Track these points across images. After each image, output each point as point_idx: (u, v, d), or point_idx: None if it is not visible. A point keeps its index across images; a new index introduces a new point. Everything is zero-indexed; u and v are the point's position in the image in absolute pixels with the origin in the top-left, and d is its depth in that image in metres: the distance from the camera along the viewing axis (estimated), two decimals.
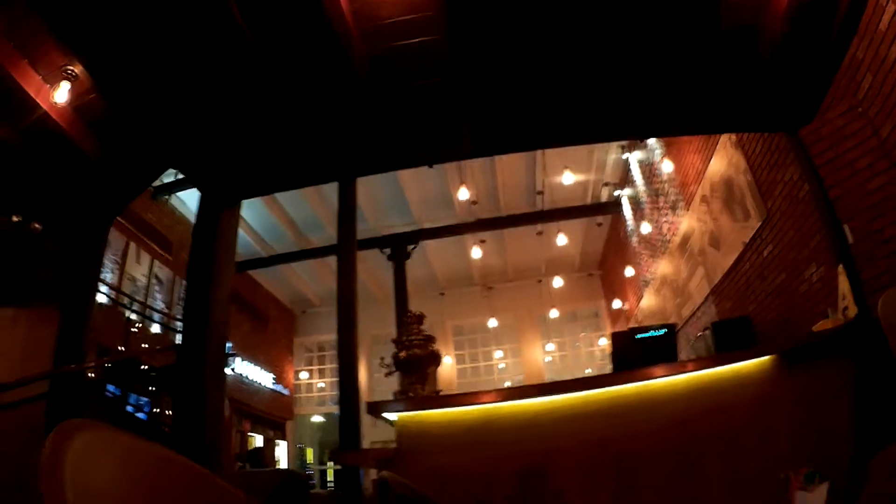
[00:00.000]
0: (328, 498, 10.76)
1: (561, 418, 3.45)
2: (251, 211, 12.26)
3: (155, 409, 8.23)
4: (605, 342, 16.46)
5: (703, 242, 7.90)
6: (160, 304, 11.44)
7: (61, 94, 5.27)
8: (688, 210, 8.41)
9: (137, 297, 10.62)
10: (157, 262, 11.45)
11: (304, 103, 4.47)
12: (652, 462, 3.24)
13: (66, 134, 5.54)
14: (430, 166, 9.92)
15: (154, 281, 11.30)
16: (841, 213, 4.00)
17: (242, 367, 14.48)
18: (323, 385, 18.35)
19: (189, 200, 11.79)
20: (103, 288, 9.10)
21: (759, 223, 6.00)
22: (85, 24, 4.03)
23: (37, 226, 6.00)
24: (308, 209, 12.77)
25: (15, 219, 5.91)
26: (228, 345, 5.26)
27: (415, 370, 4.02)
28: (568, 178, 10.63)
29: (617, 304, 15.01)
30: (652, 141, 9.75)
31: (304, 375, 18.32)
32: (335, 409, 9.44)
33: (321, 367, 18.50)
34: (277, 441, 16.42)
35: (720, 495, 3.09)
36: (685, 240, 8.68)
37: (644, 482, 3.22)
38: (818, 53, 4.02)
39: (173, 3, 3.80)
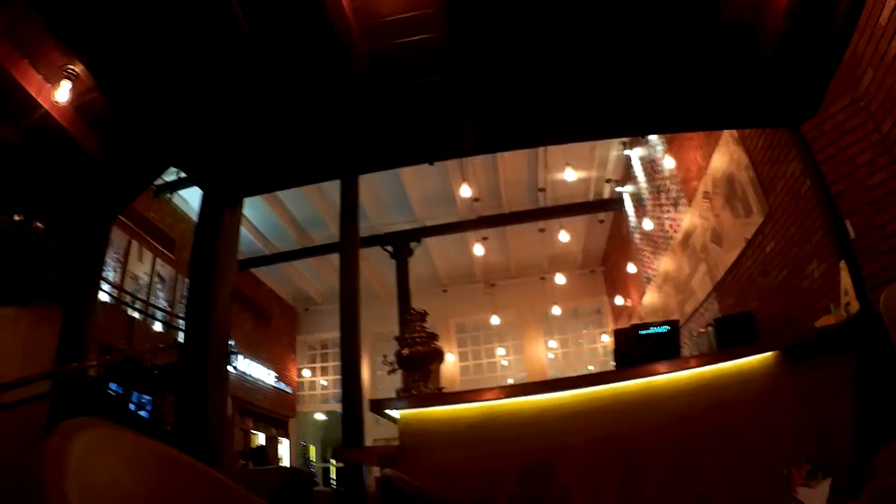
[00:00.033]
0: (331, 495, 10.79)
1: (565, 415, 3.45)
2: (253, 209, 12.27)
3: (157, 408, 8.24)
4: (607, 339, 16.44)
5: (705, 239, 7.89)
6: (162, 303, 11.46)
7: (62, 93, 5.28)
8: (690, 206, 8.40)
9: (140, 296, 10.64)
10: (159, 261, 11.47)
11: (306, 101, 4.47)
12: (655, 458, 3.24)
13: (68, 133, 5.55)
14: (432, 164, 9.94)
15: (156, 279, 11.32)
16: (842, 208, 3.99)
17: (245, 365, 14.49)
18: (325, 383, 18.35)
19: (191, 199, 11.79)
20: (105, 287, 9.11)
21: (761, 219, 5.99)
22: (86, 24, 4.03)
23: (39, 225, 6.00)
24: (310, 207, 12.78)
25: (17, 218, 5.92)
26: (231, 343, 5.26)
27: (417, 367, 4.02)
28: (570, 174, 10.61)
29: (619, 300, 15.00)
30: (653, 137, 9.74)
31: (306, 373, 18.33)
32: (338, 407, 9.45)
33: (324, 364, 18.50)
34: (280, 439, 16.43)
35: (723, 491, 3.09)
36: (687, 236, 8.67)
37: (647, 478, 3.22)
38: (819, 49, 4.01)
39: (174, 1, 3.80)
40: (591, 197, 13.42)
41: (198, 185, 5.34)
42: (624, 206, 12.59)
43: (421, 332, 4.13)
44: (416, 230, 12.88)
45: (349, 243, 7.25)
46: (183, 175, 10.21)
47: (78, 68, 5.28)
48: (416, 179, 12.14)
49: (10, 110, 5.38)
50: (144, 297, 10.78)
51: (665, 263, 10.15)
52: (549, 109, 4.66)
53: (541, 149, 10.67)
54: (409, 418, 3.59)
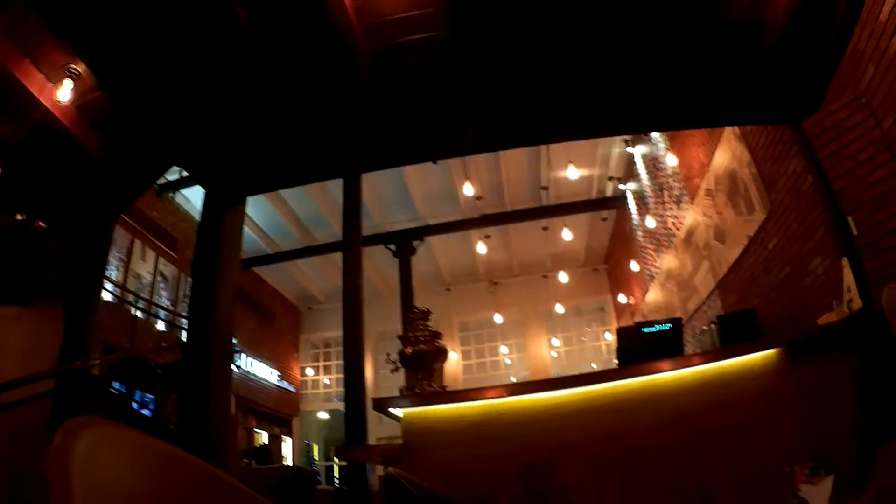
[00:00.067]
0: (335, 494, 10.79)
1: (568, 413, 3.45)
2: (256, 208, 12.29)
3: (160, 407, 8.26)
4: (610, 337, 16.44)
5: (707, 236, 7.88)
6: (165, 302, 11.48)
7: (64, 92, 5.28)
8: (692, 203, 8.39)
9: (143, 295, 10.66)
10: (162, 260, 11.49)
11: (308, 100, 4.48)
12: (658, 456, 3.24)
13: (70, 132, 5.56)
14: (434, 162, 9.92)
15: (159, 278, 11.34)
16: (844, 205, 3.98)
17: (248, 364, 14.51)
18: (328, 381, 18.37)
19: (194, 198, 11.80)
20: (108, 286, 9.12)
21: (764, 216, 5.98)
22: (87, 23, 4.04)
23: (41, 224, 6.01)
24: (313, 206, 12.78)
25: (19, 217, 5.93)
26: (234, 341, 5.27)
27: (421, 366, 4.03)
28: (572, 172, 10.62)
29: (622, 298, 14.99)
30: (656, 135, 9.72)
31: (309, 372, 18.35)
32: (341, 406, 9.45)
33: (327, 363, 18.52)
34: (283, 437, 16.46)
35: (726, 489, 3.08)
36: (690, 234, 8.67)
37: (649, 476, 3.22)
38: (820, 46, 4.00)
39: (176, 1, 3.81)
40: (594, 195, 13.42)
41: (200, 184, 5.35)
42: (627, 204, 12.57)
43: (424, 331, 4.14)
44: (419, 228, 12.88)
45: (352, 242, 7.26)
46: (186, 174, 10.22)
47: (80, 67, 5.29)
48: (418, 178, 12.14)
49: (11, 110, 5.39)
50: (147, 296, 10.80)
51: (668, 261, 10.14)
52: (551, 107, 4.66)
53: (543, 147, 10.67)
54: (413, 417, 3.59)
